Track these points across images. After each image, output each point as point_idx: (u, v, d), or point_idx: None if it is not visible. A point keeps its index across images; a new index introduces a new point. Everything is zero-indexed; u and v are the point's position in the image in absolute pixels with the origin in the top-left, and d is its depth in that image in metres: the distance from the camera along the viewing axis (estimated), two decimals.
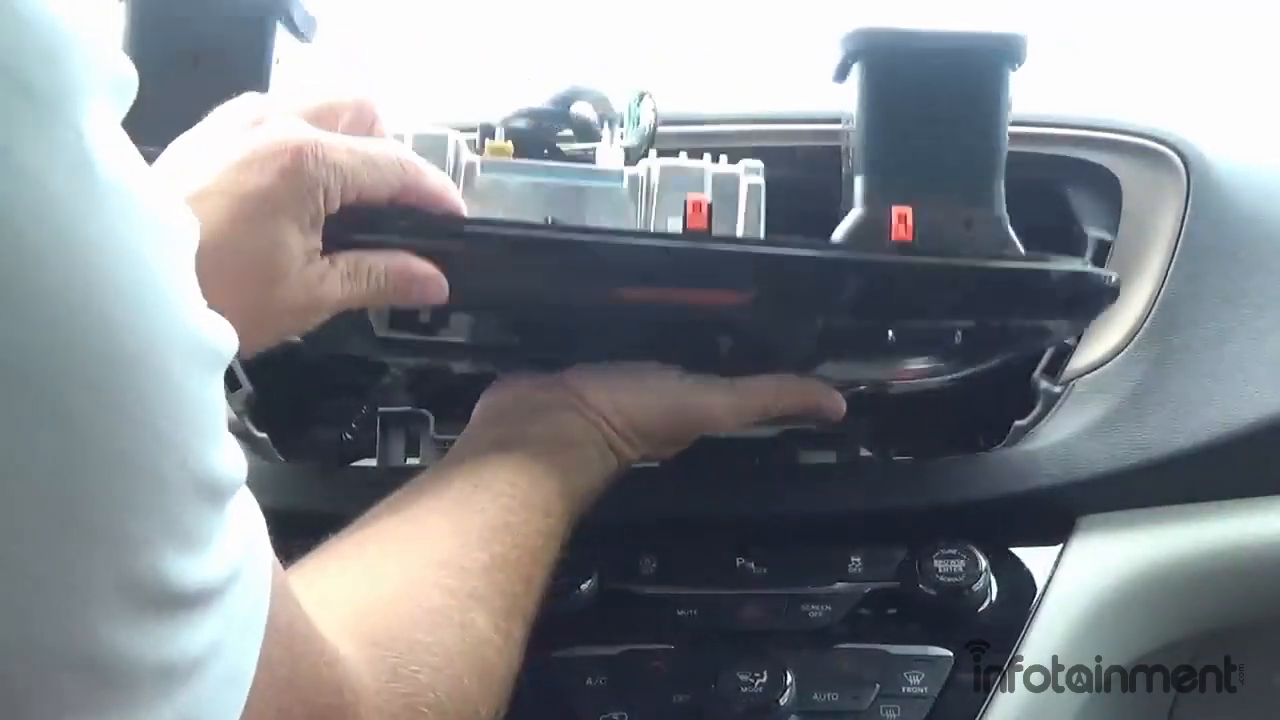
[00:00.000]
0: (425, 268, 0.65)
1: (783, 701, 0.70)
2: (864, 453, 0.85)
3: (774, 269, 0.70)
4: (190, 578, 0.37)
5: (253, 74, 0.75)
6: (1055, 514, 0.80)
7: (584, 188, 0.74)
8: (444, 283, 0.65)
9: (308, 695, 0.47)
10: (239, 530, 0.40)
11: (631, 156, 0.77)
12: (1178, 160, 0.91)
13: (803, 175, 0.91)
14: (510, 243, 0.67)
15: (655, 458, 0.79)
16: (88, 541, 0.34)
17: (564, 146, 0.77)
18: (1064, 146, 0.92)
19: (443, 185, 0.66)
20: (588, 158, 0.77)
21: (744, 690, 0.70)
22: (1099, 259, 0.89)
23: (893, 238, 0.72)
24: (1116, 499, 0.80)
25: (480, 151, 0.75)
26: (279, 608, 0.45)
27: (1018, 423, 0.83)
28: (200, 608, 0.38)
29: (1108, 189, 0.91)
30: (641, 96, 0.78)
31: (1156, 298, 0.86)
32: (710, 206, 0.71)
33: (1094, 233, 0.90)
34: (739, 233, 0.74)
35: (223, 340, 0.39)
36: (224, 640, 0.39)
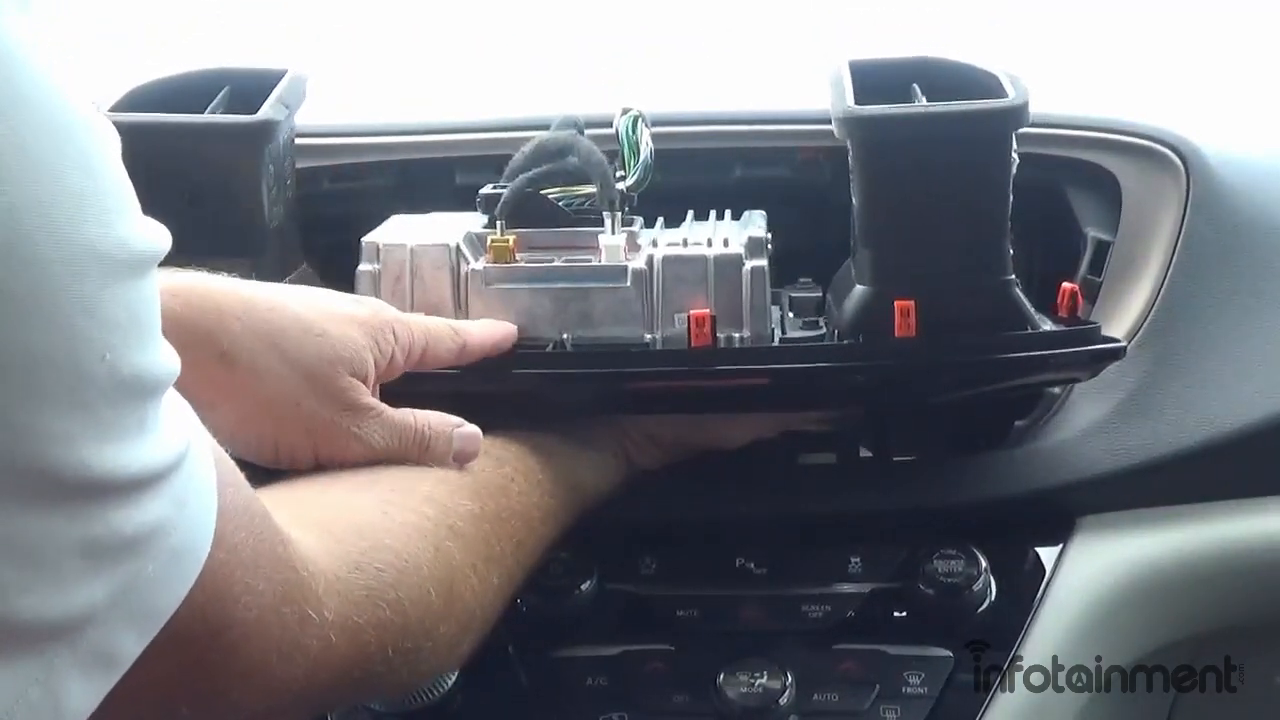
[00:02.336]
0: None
1: (782, 702, 0.70)
2: (864, 453, 0.85)
3: (779, 380, 0.73)
4: (119, 466, 0.38)
5: (250, 198, 0.77)
6: (1055, 514, 0.80)
7: (590, 289, 0.74)
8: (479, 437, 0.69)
9: (271, 573, 0.48)
10: (176, 421, 0.42)
11: (636, 187, 0.77)
12: (1177, 160, 0.91)
13: (799, 176, 0.91)
14: (541, 379, 0.74)
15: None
16: None
17: (565, 193, 0.77)
18: (1064, 147, 0.92)
19: (491, 335, 0.73)
20: (591, 213, 0.77)
21: (744, 691, 0.70)
22: (1099, 259, 0.89)
23: (896, 334, 0.72)
24: (1117, 499, 0.80)
25: (484, 250, 0.76)
26: (233, 494, 0.46)
27: (1018, 423, 0.83)
28: (138, 492, 0.39)
29: (1108, 189, 0.91)
30: (636, 121, 0.77)
31: (1156, 298, 0.86)
32: (714, 319, 0.72)
33: (1094, 233, 0.90)
34: (745, 323, 0.74)
35: (152, 242, 0.40)
36: (173, 519, 0.41)
